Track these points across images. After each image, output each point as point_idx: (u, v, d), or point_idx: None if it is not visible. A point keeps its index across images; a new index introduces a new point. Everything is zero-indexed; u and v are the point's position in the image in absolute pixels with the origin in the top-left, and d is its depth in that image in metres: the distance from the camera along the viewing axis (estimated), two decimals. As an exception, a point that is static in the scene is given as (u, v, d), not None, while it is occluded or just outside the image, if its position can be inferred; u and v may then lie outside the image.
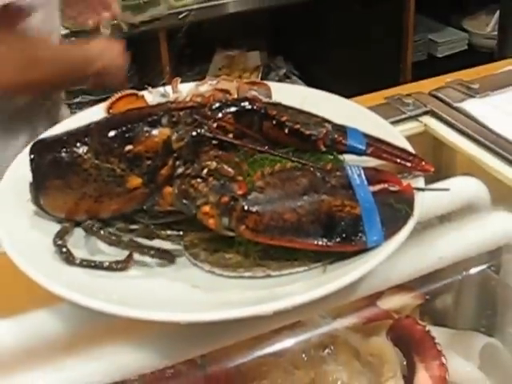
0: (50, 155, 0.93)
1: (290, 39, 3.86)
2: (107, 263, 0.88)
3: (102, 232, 0.90)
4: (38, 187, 0.94)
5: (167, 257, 0.89)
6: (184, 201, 0.87)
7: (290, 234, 0.83)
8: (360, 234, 0.84)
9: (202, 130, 0.92)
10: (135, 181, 0.91)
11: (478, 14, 3.93)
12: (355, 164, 0.92)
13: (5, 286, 0.97)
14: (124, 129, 0.92)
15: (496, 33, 3.57)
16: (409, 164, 0.96)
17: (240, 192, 0.84)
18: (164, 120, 0.93)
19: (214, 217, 0.84)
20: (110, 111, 1.15)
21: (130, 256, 0.88)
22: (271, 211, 0.83)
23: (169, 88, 1.21)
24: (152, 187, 0.91)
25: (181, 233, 0.91)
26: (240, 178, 0.87)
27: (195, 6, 3.09)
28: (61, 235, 0.90)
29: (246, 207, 0.83)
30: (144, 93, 1.20)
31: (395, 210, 0.88)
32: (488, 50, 3.72)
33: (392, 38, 3.61)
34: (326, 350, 1.11)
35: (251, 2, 3.23)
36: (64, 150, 0.93)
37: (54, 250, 0.88)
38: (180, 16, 3.05)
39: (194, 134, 0.92)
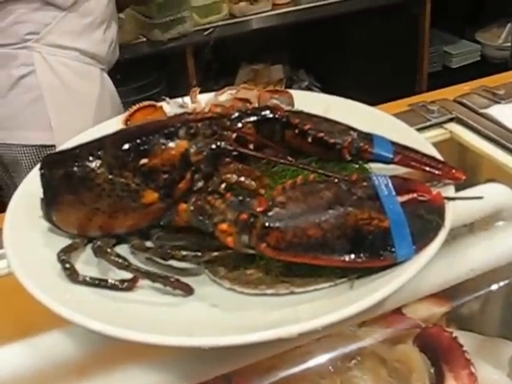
0: (61, 170, 0.85)
1: (311, 53, 3.83)
2: (112, 282, 0.79)
3: (110, 256, 0.80)
4: (50, 203, 0.86)
5: (183, 287, 0.78)
6: (200, 218, 0.78)
7: (314, 250, 0.74)
8: (389, 249, 0.74)
9: (222, 143, 0.83)
10: (151, 196, 0.82)
11: (490, 27, 3.95)
12: (382, 173, 0.82)
13: (16, 307, 0.88)
14: (139, 141, 0.83)
15: (508, 44, 3.64)
16: (438, 172, 0.87)
17: (260, 208, 0.74)
18: (181, 132, 0.84)
19: (233, 235, 0.75)
20: (128, 123, 1.06)
21: (136, 277, 0.79)
22: (294, 227, 0.73)
23: (187, 99, 1.12)
24: (169, 202, 0.82)
25: (199, 253, 0.80)
26: (262, 191, 0.79)
27: (220, 23, 3.08)
28: (66, 250, 0.81)
29: (266, 224, 0.73)
30: (162, 104, 1.11)
31: (426, 222, 0.78)
32: (500, 60, 3.77)
33: (409, 51, 3.61)
34: (353, 361, 1.02)
35: (274, 19, 3.21)
36: (76, 164, 0.84)
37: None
38: (206, 33, 3.04)
39: (214, 146, 0.83)
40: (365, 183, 0.78)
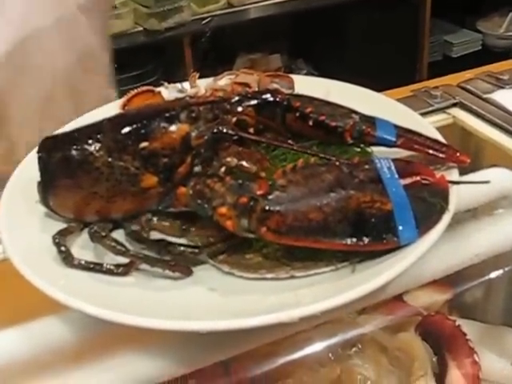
0: (59, 153, 0.83)
1: (309, 42, 3.82)
2: (107, 266, 0.77)
3: (107, 241, 0.79)
4: (47, 187, 0.84)
5: (182, 270, 0.77)
6: (199, 201, 0.77)
7: (315, 234, 0.72)
8: (392, 232, 0.73)
9: (224, 128, 0.82)
10: (150, 180, 0.80)
11: (491, 16, 3.95)
12: (384, 156, 0.81)
13: (12, 293, 0.87)
14: (139, 125, 0.81)
15: (510, 33, 3.69)
16: (442, 155, 0.85)
17: (260, 192, 0.73)
18: (183, 115, 0.82)
19: (232, 218, 0.74)
20: (126, 108, 1.04)
21: (132, 262, 0.78)
22: (294, 210, 0.72)
23: (186, 84, 1.11)
24: (168, 186, 0.81)
25: (196, 250, 0.79)
26: (263, 174, 0.77)
27: (218, 12, 3.09)
28: (62, 234, 0.80)
29: (266, 207, 0.72)
30: (161, 89, 1.09)
31: (429, 205, 0.77)
32: (501, 49, 3.79)
33: (409, 40, 3.63)
34: (354, 349, 1.01)
35: (272, 8, 3.24)
36: (74, 147, 0.82)
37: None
38: (203, 22, 3.03)
39: (215, 130, 0.82)
40: (367, 166, 0.77)
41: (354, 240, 0.72)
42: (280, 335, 0.80)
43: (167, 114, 0.82)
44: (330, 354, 0.99)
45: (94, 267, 0.77)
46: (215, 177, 0.77)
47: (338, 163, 0.77)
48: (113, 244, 0.79)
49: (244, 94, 0.91)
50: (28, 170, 0.89)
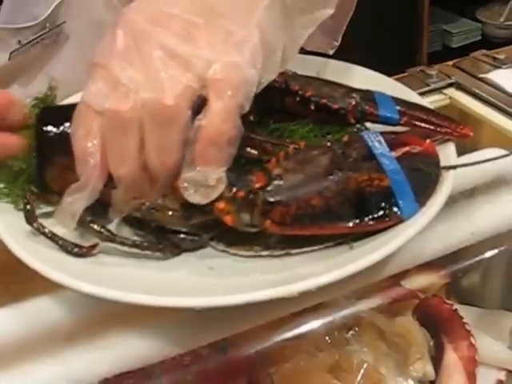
0: (59, 127, 0.81)
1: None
2: (65, 243, 0.76)
3: (94, 226, 0.77)
4: (43, 161, 0.82)
5: (171, 250, 0.77)
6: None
7: (320, 220, 0.72)
8: (394, 208, 0.73)
9: None
10: None
11: (491, 5, 3.91)
12: (372, 131, 0.82)
13: (2, 273, 0.86)
14: None
15: (510, 22, 3.64)
16: (446, 130, 0.86)
17: (258, 184, 0.72)
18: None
19: (231, 213, 0.72)
20: None
21: (95, 245, 0.77)
22: (297, 199, 0.72)
23: None
24: None
25: (196, 238, 0.78)
26: (265, 158, 0.77)
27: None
28: (36, 196, 0.80)
29: (268, 199, 0.71)
30: None
31: (424, 175, 0.77)
32: (501, 39, 3.71)
33: (408, 29, 3.58)
34: (350, 332, 1.01)
35: None
36: None
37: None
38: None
39: None
40: (357, 144, 0.77)
41: (358, 221, 0.72)
42: (276, 315, 0.80)
43: None
44: (327, 338, 0.99)
45: (52, 237, 0.76)
46: None
47: (329, 144, 0.77)
48: (100, 229, 0.77)
49: None
50: None
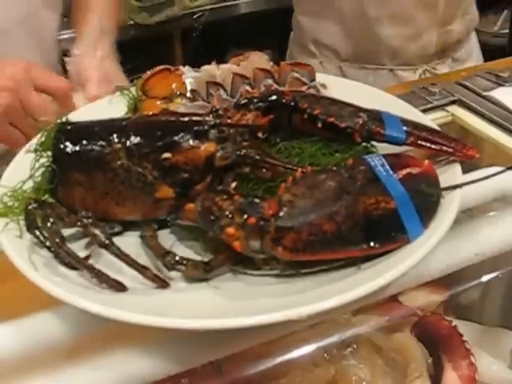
0: (76, 145, 0.82)
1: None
2: (61, 252, 0.76)
3: (95, 230, 0.78)
4: (57, 176, 0.83)
5: (158, 282, 0.76)
6: (207, 219, 0.76)
7: (331, 245, 0.73)
8: (400, 230, 0.74)
9: (251, 152, 0.82)
10: (166, 191, 0.81)
11: (485, 13, 3.88)
12: (375, 154, 0.82)
13: (5, 288, 0.87)
14: (164, 133, 0.81)
15: (504, 31, 3.65)
16: (452, 151, 0.87)
17: (270, 211, 0.72)
18: (212, 134, 0.82)
19: (240, 239, 0.73)
20: (145, 89, 1.06)
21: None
22: (308, 225, 0.72)
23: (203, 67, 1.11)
24: (182, 201, 0.80)
25: (204, 261, 0.78)
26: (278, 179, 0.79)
27: (209, 7, 3.08)
28: (39, 205, 0.80)
29: (280, 226, 0.72)
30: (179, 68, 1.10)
31: (427, 196, 0.78)
32: (495, 47, 3.68)
33: None
34: (349, 349, 1.01)
35: (264, 3, 3.24)
36: (93, 142, 0.82)
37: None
38: (194, 16, 3.03)
39: (241, 153, 0.82)
40: (362, 167, 0.78)
41: (367, 245, 0.73)
42: (277, 334, 0.80)
43: (196, 129, 0.82)
44: (325, 354, 0.99)
45: (50, 246, 0.77)
46: (224, 193, 0.76)
47: (334, 168, 0.78)
48: (99, 233, 0.78)
49: (250, 96, 0.91)
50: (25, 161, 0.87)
